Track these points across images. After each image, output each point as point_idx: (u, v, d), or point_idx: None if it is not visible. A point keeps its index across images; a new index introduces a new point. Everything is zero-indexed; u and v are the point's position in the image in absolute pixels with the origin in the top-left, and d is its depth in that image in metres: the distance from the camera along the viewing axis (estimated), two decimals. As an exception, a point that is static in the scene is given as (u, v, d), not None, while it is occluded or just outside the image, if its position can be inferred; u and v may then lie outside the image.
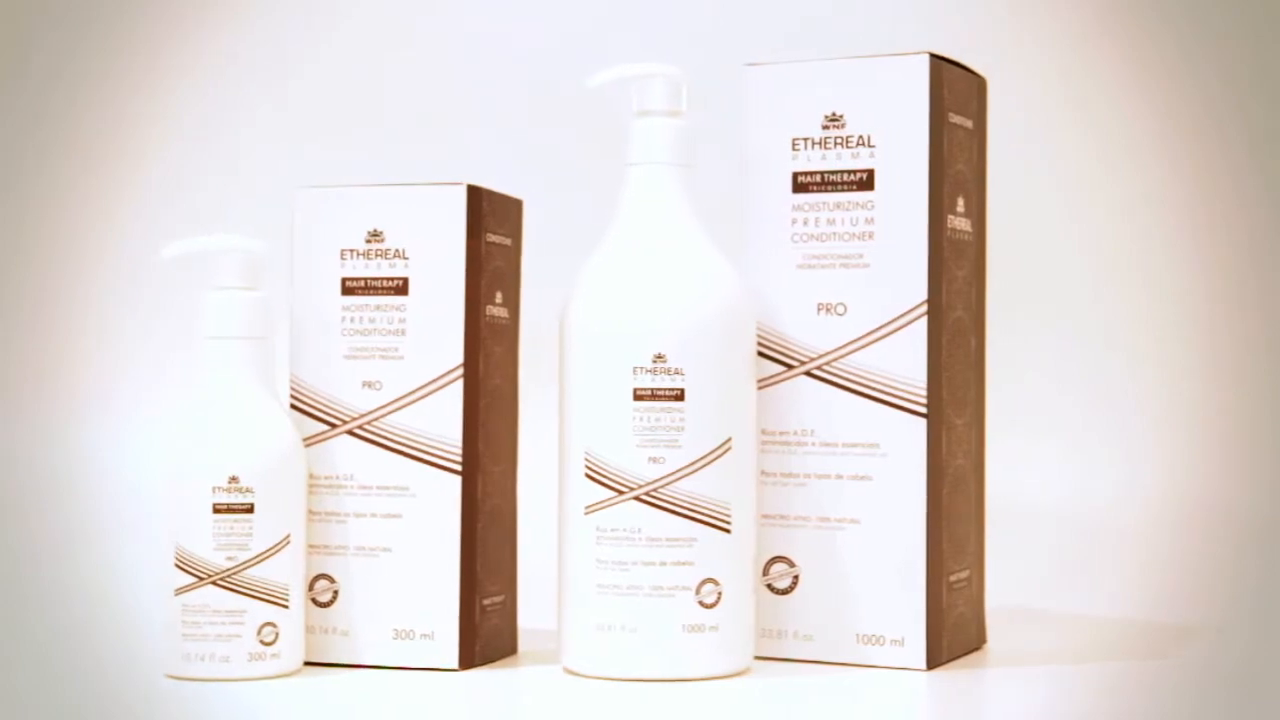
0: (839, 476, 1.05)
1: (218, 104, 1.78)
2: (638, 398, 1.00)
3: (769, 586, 1.07)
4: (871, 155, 1.04)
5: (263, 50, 1.80)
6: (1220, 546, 1.49)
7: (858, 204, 1.05)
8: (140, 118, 1.78)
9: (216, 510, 0.99)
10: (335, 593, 1.05)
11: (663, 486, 1.00)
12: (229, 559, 0.99)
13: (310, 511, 1.05)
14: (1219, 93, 1.69)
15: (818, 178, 1.06)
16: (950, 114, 1.05)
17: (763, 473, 1.06)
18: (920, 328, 1.03)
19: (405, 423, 1.04)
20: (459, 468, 1.04)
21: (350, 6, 1.81)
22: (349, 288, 1.06)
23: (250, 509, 0.99)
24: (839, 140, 1.05)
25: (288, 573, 1.01)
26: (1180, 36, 1.70)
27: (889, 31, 1.71)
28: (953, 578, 1.06)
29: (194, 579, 0.99)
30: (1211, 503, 1.58)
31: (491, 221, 1.07)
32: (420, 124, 1.76)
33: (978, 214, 1.09)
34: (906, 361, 1.03)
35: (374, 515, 1.04)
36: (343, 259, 1.06)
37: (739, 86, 1.08)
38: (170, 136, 1.78)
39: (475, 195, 1.05)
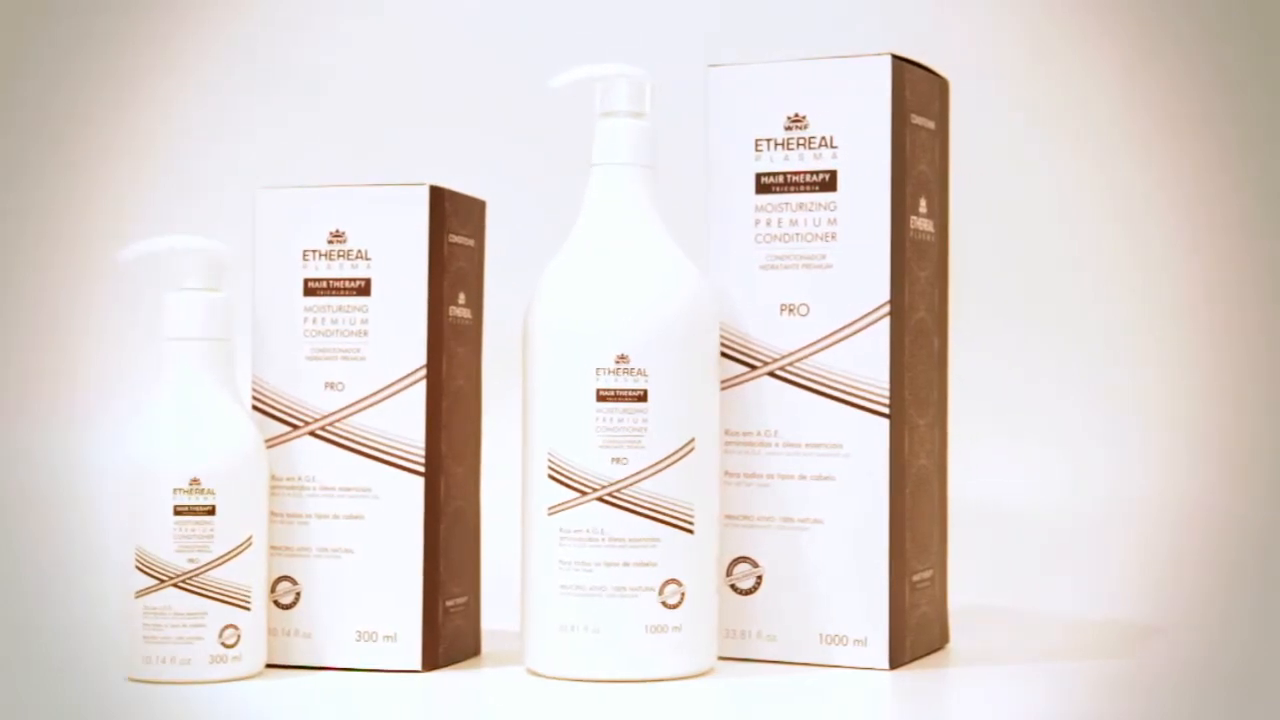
0: (802, 477, 1.05)
1: (216, 104, 1.78)
2: (601, 399, 1.00)
3: (732, 587, 1.07)
4: (834, 156, 1.05)
5: (239, 52, 1.79)
6: (1188, 546, 1.50)
7: (820, 205, 1.05)
8: (142, 121, 1.78)
9: (178, 512, 0.98)
10: (297, 594, 1.04)
11: (626, 487, 1.00)
12: (190, 561, 0.98)
13: (272, 513, 1.04)
14: (1214, 89, 1.70)
15: (780, 178, 1.06)
16: (912, 115, 1.05)
17: (726, 473, 1.06)
18: (883, 328, 1.03)
19: (368, 424, 1.04)
20: (421, 469, 1.04)
21: (318, 6, 1.80)
22: (311, 288, 1.05)
23: (212, 511, 0.99)
24: (802, 141, 1.05)
25: (249, 575, 1.00)
26: (1178, 32, 1.71)
27: (855, 31, 1.71)
28: (915, 578, 1.06)
29: (155, 581, 0.98)
30: (1181, 502, 1.59)
31: (454, 222, 1.06)
32: (382, 124, 1.75)
33: (940, 215, 1.09)
34: (869, 362, 1.04)
35: (336, 517, 1.04)
36: (305, 260, 1.05)
37: (702, 87, 1.08)
38: (175, 138, 1.78)
39: (438, 196, 1.05)
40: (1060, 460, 1.63)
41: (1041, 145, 1.73)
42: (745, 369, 1.06)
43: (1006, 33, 1.73)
